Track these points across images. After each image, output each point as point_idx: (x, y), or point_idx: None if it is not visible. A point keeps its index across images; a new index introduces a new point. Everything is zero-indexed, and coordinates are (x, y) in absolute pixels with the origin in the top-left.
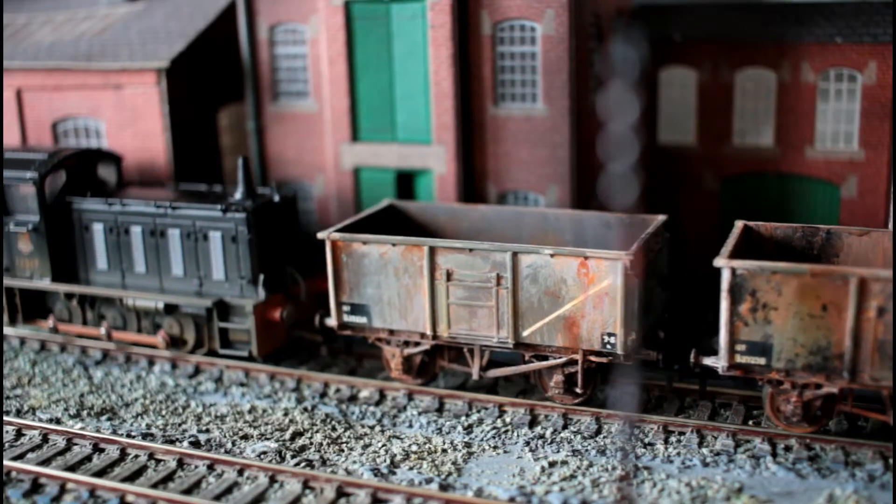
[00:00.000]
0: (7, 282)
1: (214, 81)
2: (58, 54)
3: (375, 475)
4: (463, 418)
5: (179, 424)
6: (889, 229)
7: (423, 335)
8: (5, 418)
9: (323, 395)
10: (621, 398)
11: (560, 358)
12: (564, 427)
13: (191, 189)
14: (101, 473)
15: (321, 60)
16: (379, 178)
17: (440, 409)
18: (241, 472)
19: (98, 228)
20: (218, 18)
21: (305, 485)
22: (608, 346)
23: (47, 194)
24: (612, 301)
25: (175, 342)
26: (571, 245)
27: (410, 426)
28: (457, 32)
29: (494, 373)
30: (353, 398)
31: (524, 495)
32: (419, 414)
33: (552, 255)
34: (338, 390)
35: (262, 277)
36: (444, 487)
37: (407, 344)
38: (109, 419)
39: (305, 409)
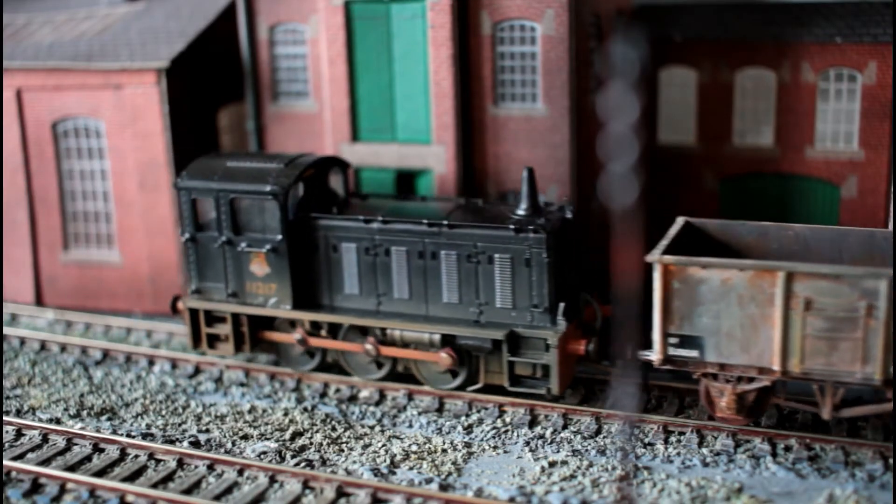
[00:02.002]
0: (236, 308)
1: (214, 81)
2: (58, 54)
3: (375, 475)
4: (463, 418)
5: (179, 424)
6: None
7: (761, 370)
8: (5, 418)
9: (323, 395)
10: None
11: None
12: (564, 427)
13: (453, 203)
14: (101, 473)
15: (321, 60)
16: (379, 178)
17: (440, 409)
18: (241, 472)
19: (350, 248)
20: (218, 18)
21: (305, 485)
22: None
23: (289, 210)
24: None
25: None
26: None
27: (410, 426)
28: (457, 32)
29: (850, 412)
30: (353, 398)
31: (524, 495)
32: (419, 414)
33: None
34: (338, 390)
35: (562, 306)
36: (444, 487)
37: (740, 380)
38: (109, 419)
39: (305, 409)
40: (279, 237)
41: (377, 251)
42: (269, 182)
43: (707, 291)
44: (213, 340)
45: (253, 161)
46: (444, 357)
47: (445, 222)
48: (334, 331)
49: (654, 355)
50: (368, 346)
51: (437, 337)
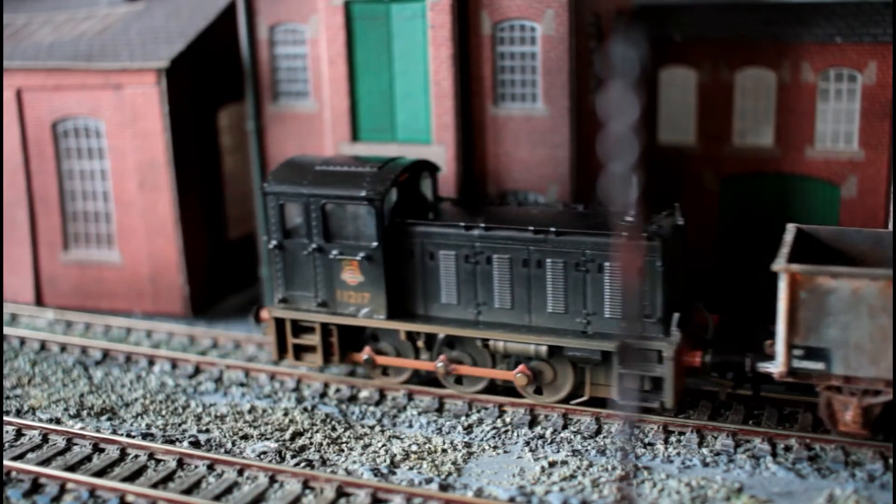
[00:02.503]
0: (326, 318)
1: (214, 81)
2: (58, 54)
3: (375, 475)
4: (463, 418)
5: (179, 424)
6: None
7: (888, 383)
8: (5, 418)
9: (323, 395)
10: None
11: None
12: (564, 427)
13: (554, 209)
14: (101, 473)
15: (321, 60)
16: None
17: (440, 409)
18: (241, 472)
19: (448, 256)
20: (218, 18)
21: (305, 485)
22: None
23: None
24: None
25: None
26: None
27: (410, 426)
28: (457, 32)
29: None
30: (353, 398)
31: (524, 495)
32: (419, 414)
33: None
34: (338, 390)
35: (676, 316)
36: (444, 487)
37: (865, 393)
38: (109, 419)
39: (305, 409)
40: (374, 244)
41: (478, 259)
42: (364, 187)
43: (836, 302)
44: (299, 351)
45: (342, 165)
46: (519, 377)
47: (553, 229)
48: (430, 342)
49: (777, 368)
50: (440, 365)
51: (543, 348)
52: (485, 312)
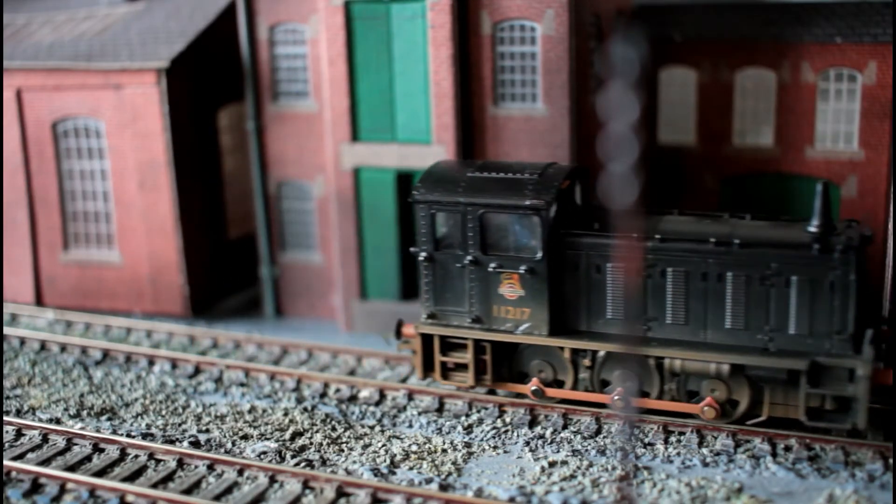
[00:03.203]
0: (480, 334)
1: (214, 81)
2: (58, 54)
3: (375, 475)
4: (463, 418)
5: (179, 424)
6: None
7: None
8: (5, 418)
9: (323, 395)
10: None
11: None
12: (564, 427)
13: (725, 220)
14: (101, 473)
15: (321, 60)
16: (379, 179)
17: (440, 409)
18: (241, 472)
19: (617, 269)
20: (218, 18)
21: (305, 485)
22: None
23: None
24: None
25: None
26: None
27: (410, 426)
28: (457, 32)
29: None
30: (353, 398)
31: (524, 495)
32: (419, 414)
33: None
34: (338, 390)
35: (869, 332)
36: (444, 487)
37: None
38: (109, 419)
39: (305, 409)
40: (538, 256)
41: (650, 272)
42: (527, 195)
43: None
44: (446, 370)
45: (497, 171)
46: (707, 411)
47: (736, 241)
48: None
49: None
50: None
51: (725, 367)
52: (655, 328)
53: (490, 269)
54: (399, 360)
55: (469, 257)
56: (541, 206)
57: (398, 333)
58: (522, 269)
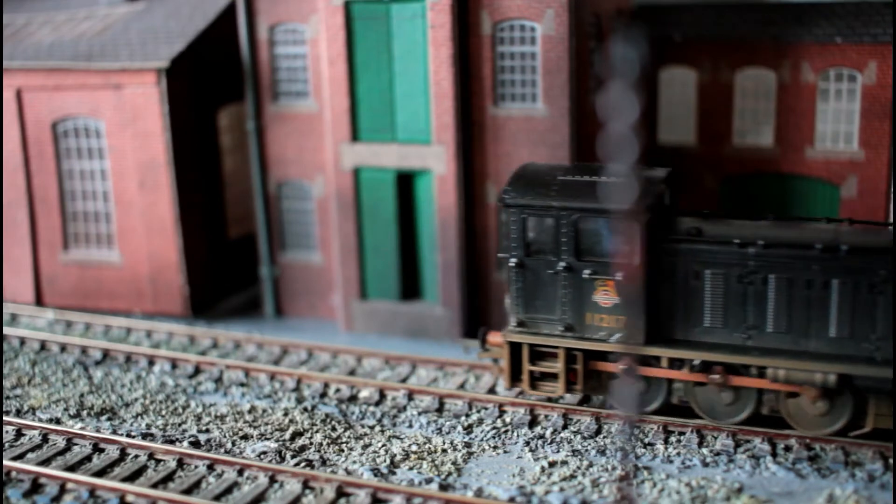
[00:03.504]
0: (572, 343)
1: (214, 81)
2: (58, 54)
3: (375, 475)
4: (463, 418)
5: (179, 424)
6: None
7: None
8: (5, 418)
9: (323, 395)
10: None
11: None
12: (564, 427)
13: (826, 224)
14: (101, 473)
15: (321, 60)
16: (379, 179)
17: (440, 409)
18: (241, 472)
19: (716, 276)
20: (218, 18)
21: (305, 485)
22: None
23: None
24: None
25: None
26: None
27: (410, 426)
28: (457, 32)
29: None
30: (353, 398)
31: (524, 495)
32: (419, 414)
33: None
34: (338, 390)
35: None
36: (443, 487)
37: None
38: (109, 419)
39: (305, 409)
40: (637, 263)
41: (751, 279)
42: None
43: None
44: (534, 379)
45: (587, 174)
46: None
47: (844, 247)
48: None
49: None
50: (715, 377)
51: (832, 377)
52: (755, 337)
53: (584, 276)
54: (399, 361)
55: (562, 263)
56: (640, 210)
57: (483, 342)
58: (619, 275)
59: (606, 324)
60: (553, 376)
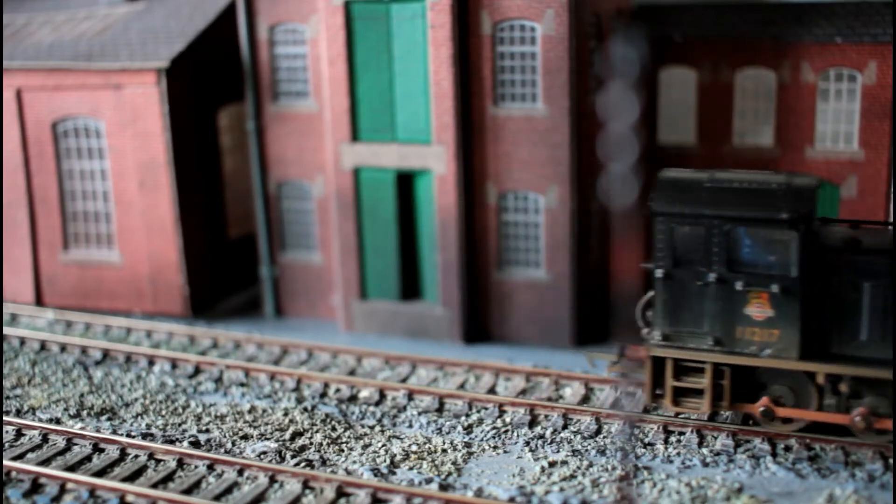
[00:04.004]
0: (721, 358)
1: (214, 81)
2: (58, 54)
3: (375, 475)
4: (463, 418)
5: (179, 424)
6: None
7: None
8: (5, 418)
9: (323, 395)
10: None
11: None
12: (564, 427)
13: None
14: (101, 473)
15: (321, 60)
16: (379, 178)
17: (440, 409)
18: (241, 472)
19: (876, 287)
20: (218, 18)
21: (305, 485)
22: None
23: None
24: None
25: None
26: None
27: (410, 426)
28: (457, 32)
29: None
30: (353, 398)
31: (524, 495)
32: (419, 414)
33: None
34: (338, 390)
35: None
36: (443, 487)
37: None
38: (109, 419)
39: (305, 409)
40: (794, 274)
41: None
42: (782, 207)
43: None
44: (677, 395)
45: (736, 181)
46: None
47: None
48: (835, 385)
49: None
50: (857, 419)
51: None
52: None
53: (737, 288)
54: (399, 361)
55: (713, 275)
56: (798, 219)
57: (621, 356)
58: (774, 287)
59: (759, 337)
60: (697, 392)
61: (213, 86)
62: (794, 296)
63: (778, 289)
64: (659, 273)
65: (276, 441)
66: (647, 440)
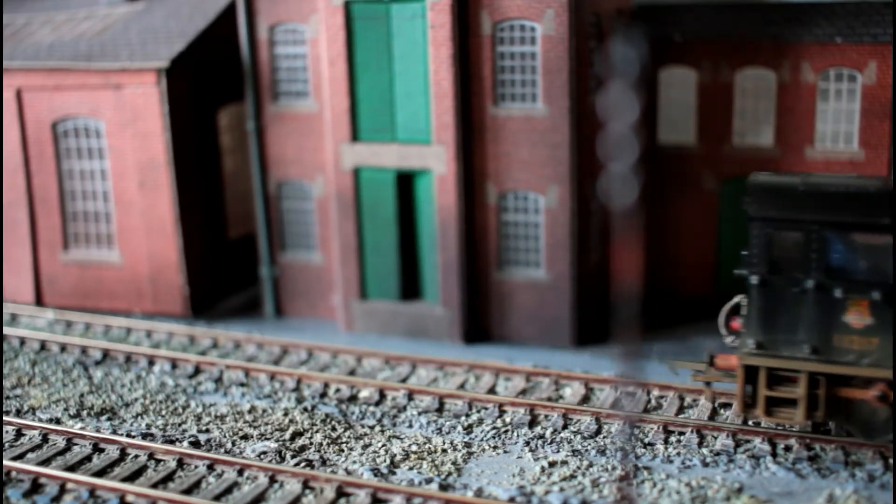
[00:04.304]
0: (817, 366)
1: (214, 81)
2: (58, 54)
3: (375, 475)
4: (463, 418)
5: (179, 424)
6: None
7: None
8: (5, 418)
9: (323, 395)
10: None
11: None
12: (564, 427)
13: None
14: (101, 473)
15: (321, 60)
16: (379, 178)
17: (440, 409)
18: (241, 472)
19: None
20: (218, 18)
21: (305, 485)
22: None
23: None
24: None
25: None
26: None
27: (410, 426)
28: (457, 32)
29: None
30: (353, 398)
31: (524, 495)
32: (419, 414)
33: None
34: (338, 390)
35: None
36: (443, 487)
37: None
38: (109, 419)
39: (305, 409)
40: (892, 282)
41: None
42: (885, 212)
43: None
44: (769, 405)
45: (829, 184)
46: None
47: None
48: None
49: None
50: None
51: None
52: None
53: (836, 296)
54: (399, 361)
55: (811, 281)
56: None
57: (711, 363)
58: (875, 294)
59: (857, 346)
60: (790, 402)
61: (213, 86)
62: (892, 305)
63: (879, 296)
64: (754, 280)
65: (276, 441)
66: (647, 440)
